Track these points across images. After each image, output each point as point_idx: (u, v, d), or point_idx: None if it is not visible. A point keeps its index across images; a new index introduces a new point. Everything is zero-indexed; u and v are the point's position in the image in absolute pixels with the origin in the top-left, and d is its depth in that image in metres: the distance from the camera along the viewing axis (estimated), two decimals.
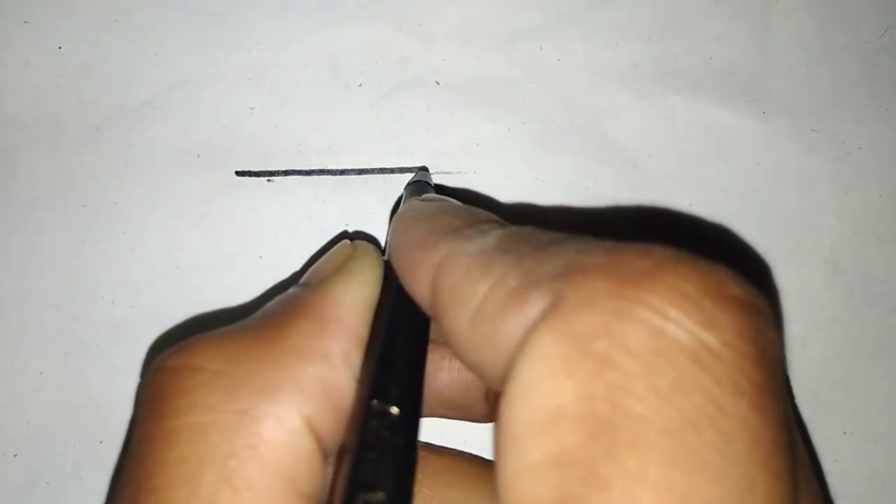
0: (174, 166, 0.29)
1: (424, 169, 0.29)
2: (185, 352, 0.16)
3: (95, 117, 0.29)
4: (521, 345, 0.13)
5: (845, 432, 0.29)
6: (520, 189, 0.30)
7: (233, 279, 0.29)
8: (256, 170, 0.29)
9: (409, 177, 0.29)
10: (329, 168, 0.29)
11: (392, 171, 0.29)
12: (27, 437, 0.28)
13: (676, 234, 0.30)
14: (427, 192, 0.27)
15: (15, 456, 0.28)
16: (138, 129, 0.29)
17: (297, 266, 0.29)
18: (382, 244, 0.28)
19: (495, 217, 0.18)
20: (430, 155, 0.30)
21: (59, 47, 0.30)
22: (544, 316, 0.13)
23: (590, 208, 0.30)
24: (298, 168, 0.29)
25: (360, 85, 0.30)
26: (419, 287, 0.16)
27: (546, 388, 0.12)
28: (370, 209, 0.29)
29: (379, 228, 0.29)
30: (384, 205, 0.29)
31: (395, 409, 0.15)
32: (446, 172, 0.30)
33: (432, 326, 0.18)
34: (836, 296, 0.30)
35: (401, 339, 0.18)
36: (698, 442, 0.11)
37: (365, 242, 0.20)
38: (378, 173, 0.29)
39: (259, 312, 0.18)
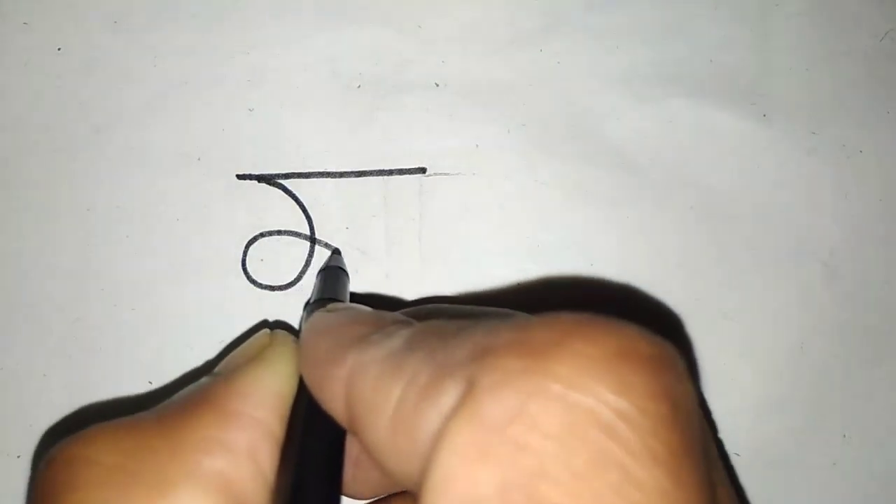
0: (175, 169, 0.29)
1: (337, 252, 0.29)
2: (78, 442, 0.15)
3: (95, 120, 0.29)
4: (438, 438, 0.12)
5: (844, 436, 0.29)
6: (518, 191, 0.30)
7: (234, 283, 0.29)
8: (256, 173, 0.29)
9: (408, 178, 0.29)
10: (329, 170, 0.29)
11: (391, 172, 0.29)
12: (30, 439, 0.28)
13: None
14: (340, 281, 0.27)
15: (18, 457, 0.28)
16: (138, 132, 0.29)
17: (297, 268, 0.29)
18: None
19: (402, 317, 0.17)
20: (429, 157, 0.30)
21: (59, 49, 0.30)
22: (458, 405, 0.12)
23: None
24: (298, 170, 0.29)
25: (360, 87, 0.30)
26: (332, 403, 0.16)
27: (463, 478, 0.12)
28: (369, 211, 0.29)
29: (378, 230, 0.29)
30: (384, 207, 0.29)
31: None
32: (445, 174, 0.30)
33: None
34: (835, 299, 0.30)
35: (318, 440, 0.17)
36: None
37: (284, 332, 0.19)
38: (377, 175, 0.29)
39: (168, 402, 0.17)
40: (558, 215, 0.30)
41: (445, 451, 0.12)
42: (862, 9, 0.30)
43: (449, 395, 0.13)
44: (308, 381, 0.17)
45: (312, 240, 0.29)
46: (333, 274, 0.27)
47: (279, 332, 0.19)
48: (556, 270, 0.29)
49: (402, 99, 0.30)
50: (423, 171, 0.30)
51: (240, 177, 0.29)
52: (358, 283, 0.29)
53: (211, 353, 0.29)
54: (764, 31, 0.30)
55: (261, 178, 0.29)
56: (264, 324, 0.29)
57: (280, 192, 0.29)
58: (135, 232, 0.29)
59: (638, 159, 0.30)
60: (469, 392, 0.12)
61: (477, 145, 0.30)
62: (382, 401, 0.14)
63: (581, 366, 0.12)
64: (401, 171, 0.29)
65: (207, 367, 0.29)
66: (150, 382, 0.28)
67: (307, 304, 0.25)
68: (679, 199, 0.30)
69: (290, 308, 0.29)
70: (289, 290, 0.29)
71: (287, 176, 0.29)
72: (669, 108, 0.30)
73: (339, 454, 0.17)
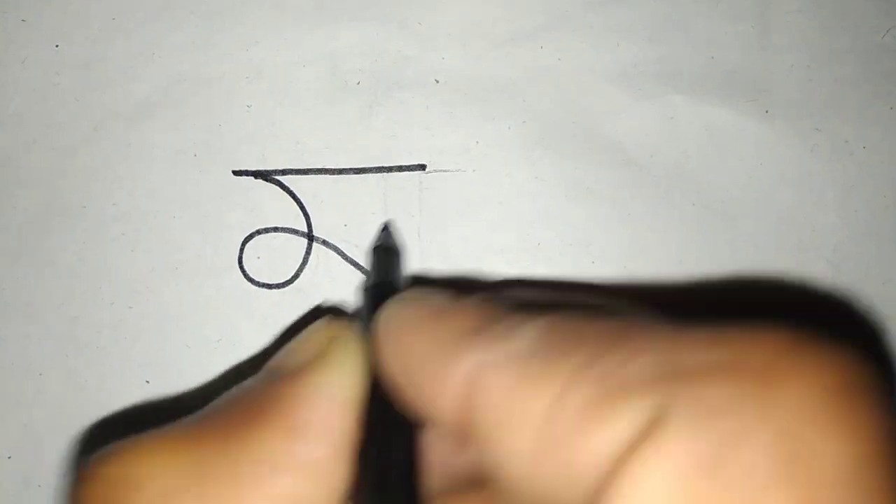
0: (172, 166, 0.29)
1: (388, 228, 0.27)
2: (123, 460, 0.13)
3: (93, 117, 0.29)
4: (620, 472, 0.11)
5: None
6: (519, 188, 0.29)
7: (231, 281, 0.29)
8: (253, 169, 0.29)
9: (407, 175, 0.29)
10: (327, 167, 0.29)
11: (391, 169, 0.29)
12: (22, 439, 0.28)
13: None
14: (396, 258, 0.24)
15: (9, 458, 0.28)
16: (136, 129, 0.29)
17: (295, 265, 0.29)
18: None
19: (513, 306, 0.15)
20: (428, 153, 0.29)
21: (57, 46, 0.30)
22: (649, 434, 0.10)
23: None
24: (296, 167, 0.29)
25: (359, 83, 0.30)
26: (442, 407, 0.14)
27: None
28: (369, 209, 0.29)
29: (376, 227, 0.29)
30: (383, 204, 0.29)
31: None
32: (445, 171, 0.29)
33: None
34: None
35: (395, 449, 0.15)
36: None
37: (346, 324, 0.17)
38: (377, 172, 0.29)
39: (220, 406, 0.15)
40: (558, 212, 0.29)
41: (639, 489, 0.10)
42: (864, 5, 0.30)
43: (627, 422, 0.11)
44: (403, 381, 0.15)
45: (310, 237, 0.29)
46: (388, 255, 0.25)
47: (341, 323, 0.17)
48: (557, 267, 0.29)
49: (402, 95, 0.30)
50: (422, 167, 0.29)
51: (236, 173, 0.29)
52: (357, 282, 0.29)
53: (208, 352, 0.28)
54: (765, 28, 0.30)
55: (258, 175, 0.29)
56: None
57: (278, 188, 0.29)
58: (131, 229, 0.29)
59: (638, 156, 0.30)
60: (661, 422, 0.10)
61: (477, 142, 0.30)
62: (525, 409, 0.12)
63: (808, 406, 0.10)
64: (400, 168, 0.29)
65: (204, 364, 0.28)
66: (148, 382, 0.28)
67: (365, 288, 0.23)
68: (680, 196, 0.30)
69: (287, 306, 0.29)
70: (286, 288, 0.29)
71: (284, 172, 0.29)
72: (670, 105, 0.30)
73: (417, 456, 0.16)
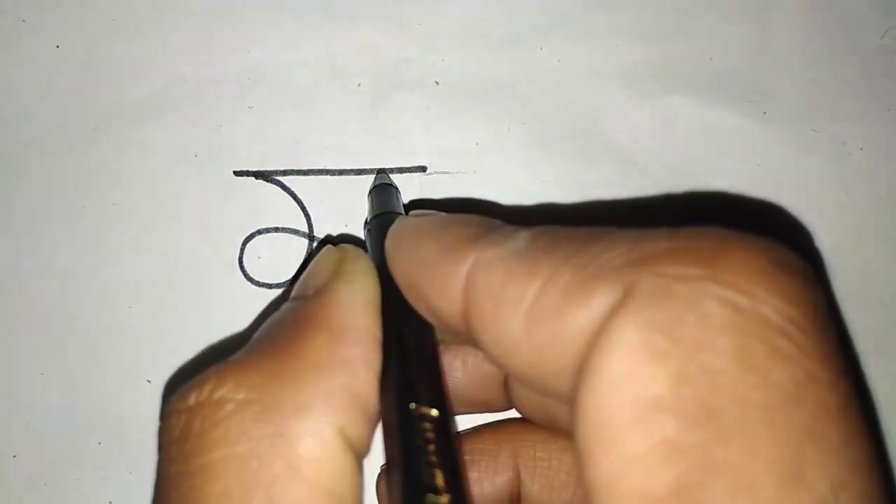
0: (173, 166, 0.29)
1: (383, 171, 0.29)
2: (204, 386, 0.15)
3: (94, 117, 0.29)
4: (597, 338, 0.13)
5: None
6: (519, 189, 0.29)
7: (232, 281, 0.29)
8: (254, 170, 0.29)
9: (408, 176, 0.29)
10: (328, 168, 0.29)
11: (391, 171, 0.29)
12: (26, 438, 0.28)
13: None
14: (394, 196, 0.27)
15: (14, 457, 0.28)
16: (136, 129, 0.29)
17: (295, 265, 0.29)
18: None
19: (506, 224, 0.17)
20: (429, 155, 0.29)
21: (57, 46, 0.30)
22: (619, 307, 0.12)
23: (587, 203, 0.29)
24: (297, 168, 0.29)
25: (360, 84, 0.30)
26: (446, 301, 0.16)
27: (637, 378, 0.12)
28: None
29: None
30: None
31: (434, 412, 0.16)
32: (445, 172, 0.29)
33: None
34: (836, 298, 0.29)
35: (415, 342, 0.18)
36: (802, 415, 0.11)
37: (351, 246, 0.20)
38: (377, 173, 0.29)
39: (264, 333, 0.17)
40: (558, 213, 0.29)
41: (614, 351, 0.12)
42: (862, 6, 0.30)
43: (603, 298, 0.13)
44: (412, 283, 0.18)
45: (310, 237, 0.29)
46: (387, 190, 0.27)
47: (347, 245, 0.20)
48: None
49: (402, 97, 0.30)
50: (423, 169, 0.29)
51: (237, 173, 0.29)
52: None
53: (209, 351, 0.28)
54: (764, 29, 0.30)
55: (258, 175, 0.29)
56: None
57: (278, 189, 0.29)
58: (132, 229, 0.29)
59: (638, 157, 0.30)
60: (629, 295, 0.12)
61: (477, 143, 0.30)
62: (515, 296, 0.14)
63: (747, 275, 0.12)
64: (401, 170, 0.29)
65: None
66: (149, 381, 0.28)
67: (366, 222, 0.26)
68: (679, 197, 0.30)
69: None
70: (287, 288, 0.29)
71: (285, 173, 0.29)
72: (669, 106, 0.30)
73: (437, 351, 0.18)
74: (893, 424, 0.29)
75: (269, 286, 0.29)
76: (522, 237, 0.15)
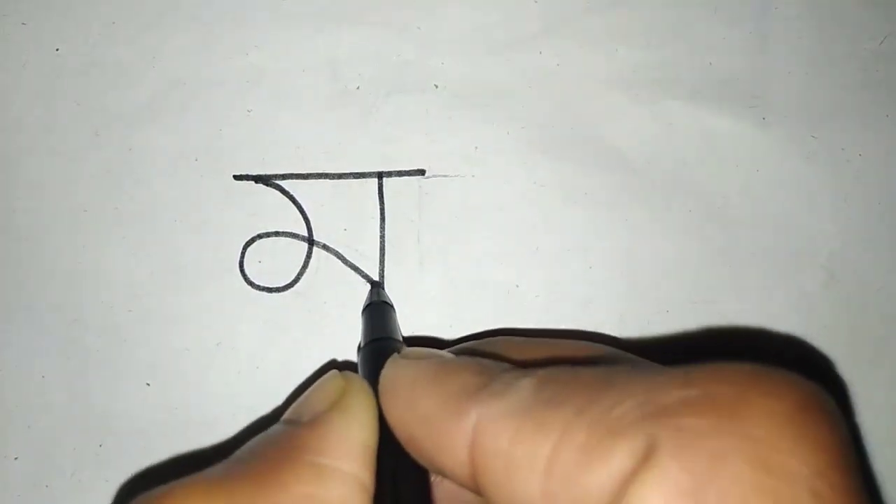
0: (173, 170, 0.29)
1: (378, 285, 0.28)
2: (166, 500, 0.14)
3: (94, 121, 0.29)
4: (622, 496, 0.12)
5: None
6: (518, 193, 0.30)
7: (232, 284, 0.29)
8: (254, 174, 0.29)
9: (407, 180, 0.29)
10: (327, 172, 0.29)
11: (390, 174, 0.29)
12: (27, 441, 0.28)
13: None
14: (387, 316, 0.26)
15: (15, 459, 0.28)
16: (137, 133, 0.29)
17: (295, 269, 0.29)
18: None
19: (508, 365, 0.16)
20: (428, 159, 0.30)
21: (57, 50, 0.30)
22: (640, 468, 0.12)
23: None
24: (296, 172, 0.29)
25: (359, 88, 0.30)
26: (451, 460, 0.15)
27: None
28: (369, 213, 0.29)
29: (375, 231, 0.29)
30: (382, 209, 0.29)
31: None
32: (444, 175, 0.29)
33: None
34: (833, 303, 0.30)
35: (410, 494, 0.17)
36: None
37: (357, 376, 0.18)
38: (376, 177, 0.29)
39: (246, 453, 0.16)
40: (557, 217, 0.29)
41: None
42: (861, 12, 0.30)
43: (623, 457, 0.12)
44: (413, 438, 0.17)
45: (310, 241, 0.29)
46: (381, 310, 0.26)
47: (351, 375, 0.18)
48: (555, 273, 0.29)
49: (402, 100, 0.30)
50: (422, 172, 0.29)
51: (237, 177, 0.29)
52: (356, 286, 0.29)
53: (208, 355, 0.28)
54: (763, 35, 0.30)
55: (258, 179, 0.29)
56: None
57: (278, 193, 0.29)
58: (132, 233, 0.29)
59: (636, 162, 0.30)
60: (652, 454, 0.12)
61: (476, 147, 0.30)
62: (528, 456, 0.13)
63: (772, 424, 0.12)
64: (399, 173, 0.29)
65: (204, 363, 0.29)
66: (148, 384, 0.28)
67: (360, 346, 0.24)
68: (678, 202, 0.30)
69: (287, 310, 0.29)
70: (287, 292, 0.29)
71: (285, 177, 0.29)
72: (668, 111, 0.30)
73: (429, 498, 0.17)
74: (894, 428, 0.29)
75: (270, 290, 0.29)
76: (526, 386, 0.15)
